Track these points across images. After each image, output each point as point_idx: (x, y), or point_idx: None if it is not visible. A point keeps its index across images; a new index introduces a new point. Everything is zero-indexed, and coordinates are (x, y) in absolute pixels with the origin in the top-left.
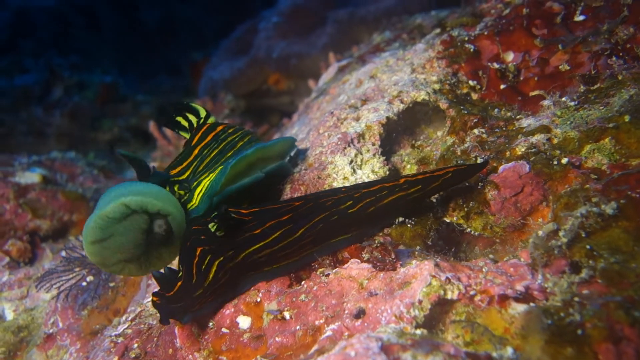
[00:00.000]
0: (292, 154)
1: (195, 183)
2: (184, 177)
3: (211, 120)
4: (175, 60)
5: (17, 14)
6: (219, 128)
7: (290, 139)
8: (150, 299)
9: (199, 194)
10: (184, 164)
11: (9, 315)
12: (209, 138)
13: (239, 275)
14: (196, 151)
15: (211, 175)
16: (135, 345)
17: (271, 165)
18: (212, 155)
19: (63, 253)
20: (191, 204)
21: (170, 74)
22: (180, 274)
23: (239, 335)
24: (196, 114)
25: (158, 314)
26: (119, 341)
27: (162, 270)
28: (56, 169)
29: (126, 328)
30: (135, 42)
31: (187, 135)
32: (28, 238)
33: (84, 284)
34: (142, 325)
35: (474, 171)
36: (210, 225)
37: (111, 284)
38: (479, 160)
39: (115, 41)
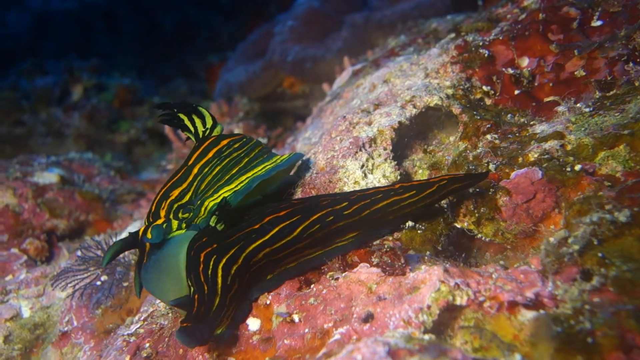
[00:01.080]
0: (303, 158)
1: (199, 202)
2: (185, 199)
3: (217, 131)
4: (192, 63)
5: (39, 16)
6: (223, 143)
7: (296, 158)
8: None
9: (205, 210)
10: (184, 185)
11: (26, 313)
12: (210, 154)
13: (246, 284)
14: (195, 170)
15: (215, 196)
16: (147, 344)
17: (273, 186)
18: (215, 172)
19: (79, 252)
20: (197, 219)
21: (187, 77)
22: (192, 289)
23: (248, 337)
24: (202, 119)
25: (170, 314)
26: (132, 340)
27: None
28: (74, 170)
29: (138, 328)
30: (153, 45)
31: (192, 136)
32: (45, 237)
33: (99, 283)
34: (154, 325)
35: (472, 181)
36: (211, 220)
37: (125, 284)
38: (491, 166)
39: (134, 45)
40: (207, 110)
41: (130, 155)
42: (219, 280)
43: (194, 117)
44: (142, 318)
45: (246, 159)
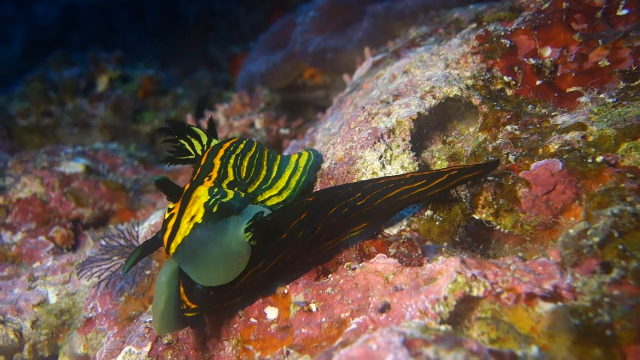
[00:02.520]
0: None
1: (249, 189)
2: (229, 179)
3: (214, 143)
4: (214, 54)
5: (66, 9)
6: (226, 145)
7: (318, 161)
8: None
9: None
10: (214, 170)
11: (52, 299)
12: (221, 152)
13: (265, 280)
14: (217, 161)
15: (266, 194)
16: None
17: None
18: (245, 165)
19: (103, 242)
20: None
21: (209, 67)
22: None
23: (267, 325)
24: (198, 138)
25: None
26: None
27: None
28: (99, 160)
29: None
30: (176, 36)
31: (191, 159)
32: (71, 225)
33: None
34: None
35: (483, 171)
36: (244, 236)
37: (147, 272)
38: (511, 158)
39: (157, 35)
40: (200, 129)
41: (154, 145)
42: (237, 285)
43: (191, 139)
44: None
45: (264, 162)
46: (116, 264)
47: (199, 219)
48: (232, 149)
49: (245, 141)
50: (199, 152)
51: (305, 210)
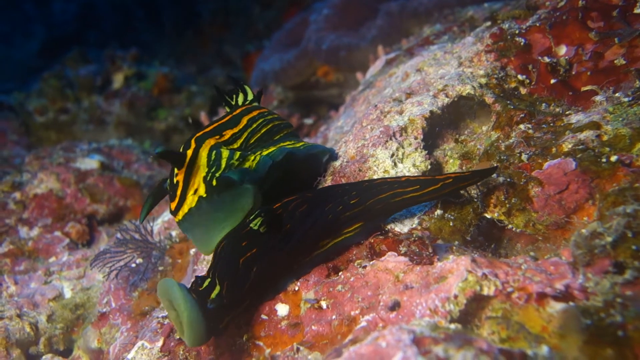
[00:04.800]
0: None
1: (251, 156)
2: (236, 145)
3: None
4: (229, 52)
5: (84, 7)
6: (265, 109)
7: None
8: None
9: (253, 160)
10: (235, 130)
11: (68, 294)
12: (254, 113)
13: (272, 277)
14: (244, 120)
15: (265, 151)
16: None
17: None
18: (262, 132)
19: (118, 235)
20: (248, 164)
21: (224, 65)
22: (209, 280)
23: (277, 322)
24: (245, 95)
25: None
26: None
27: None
28: (113, 156)
29: None
30: (191, 34)
31: (229, 103)
32: (86, 221)
33: (134, 265)
34: None
35: (479, 177)
36: (252, 223)
37: (160, 268)
38: (524, 157)
39: (173, 33)
40: (250, 88)
41: (168, 142)
42: (248, 284)
43: (240, 93)
44: None
45: (286, 130)
46: (129, 257)
47: (202, 192)
48: (266, 113)
49: (274, 114)
50: (239, 104)
51: (304, 204)
